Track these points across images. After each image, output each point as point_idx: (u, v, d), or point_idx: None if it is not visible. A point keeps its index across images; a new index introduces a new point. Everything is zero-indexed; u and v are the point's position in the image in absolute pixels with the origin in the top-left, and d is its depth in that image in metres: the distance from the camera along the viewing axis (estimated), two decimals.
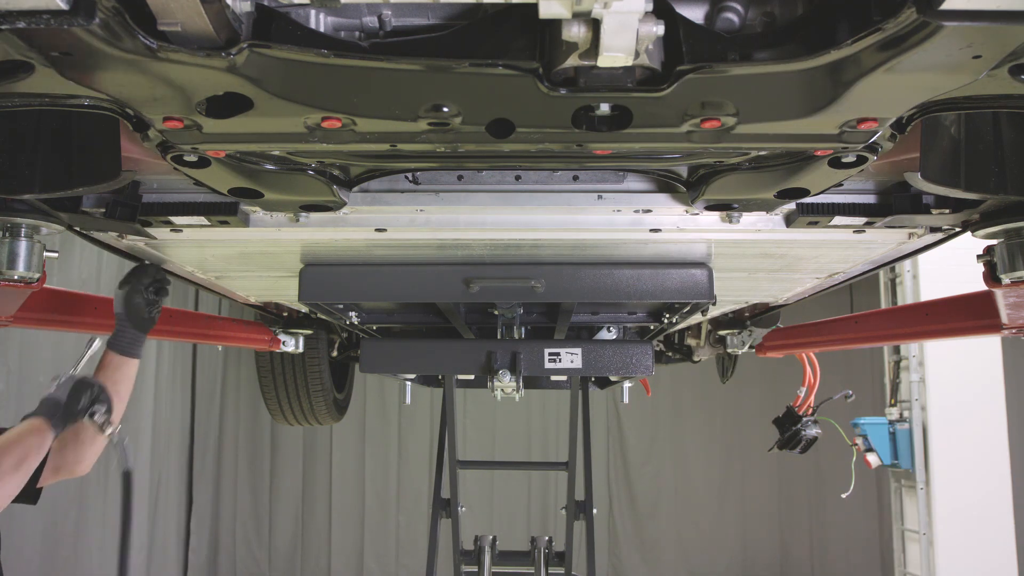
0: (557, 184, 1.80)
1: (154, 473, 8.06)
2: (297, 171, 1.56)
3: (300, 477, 9.45)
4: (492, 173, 1.79)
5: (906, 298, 6.62)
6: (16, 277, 1.94)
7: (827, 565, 9.16)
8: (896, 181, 1.76)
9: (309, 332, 3.84)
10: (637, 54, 1.02)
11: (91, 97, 1.22)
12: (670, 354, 4.38)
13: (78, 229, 1.97)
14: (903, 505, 6.79)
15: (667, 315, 2.76)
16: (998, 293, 2.03)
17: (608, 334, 3.23)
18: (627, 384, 4.12)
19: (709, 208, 1.79)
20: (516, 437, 9.33)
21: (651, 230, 1.91)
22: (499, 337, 2.94)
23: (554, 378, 4.30)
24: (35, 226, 1.89)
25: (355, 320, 2.84)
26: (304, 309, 3.09)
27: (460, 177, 1.80)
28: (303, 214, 1.85)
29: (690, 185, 1.70)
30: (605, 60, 1.01)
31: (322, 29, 1.17)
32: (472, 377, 3.42)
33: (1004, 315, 2.23)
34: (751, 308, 3.48)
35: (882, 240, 1.99)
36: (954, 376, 6.43)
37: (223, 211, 1.82)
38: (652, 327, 3.11)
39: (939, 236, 1.98)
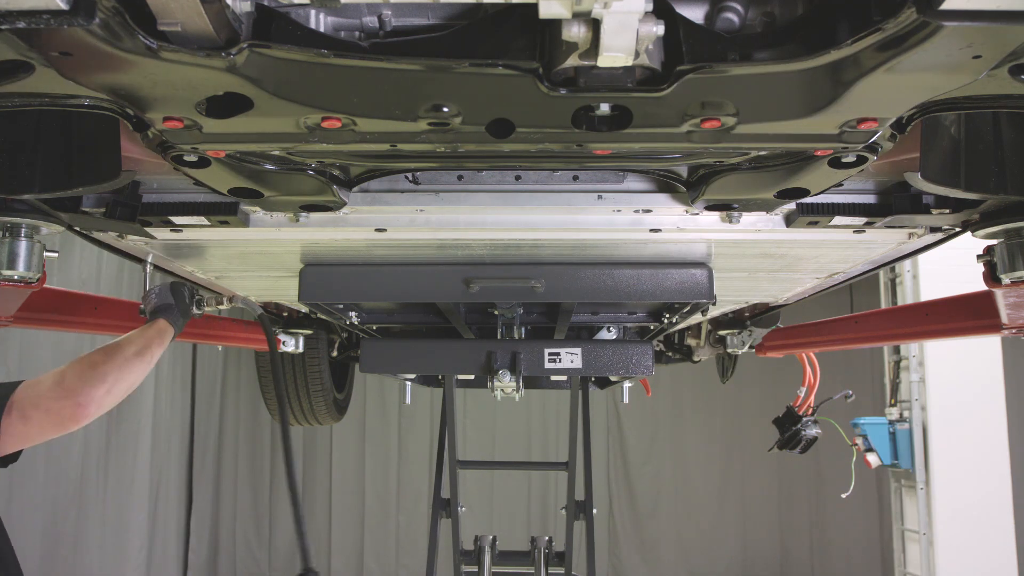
0: (557, 184, 1.80)
1: (154, 473, 8.06)
2: (297, 171, 1.56)
3: (300, 477, 9.44)
4: (492, 173, 1.79)
5: (906, 298, 6.61)
6: (16, 277, 1.95)
7: (827, 565, 9.14)
8: (896, 181, 1.76)
9: (309, 332, 3.84)
10: (637, 54, 1.02)
11: (91, 97, 1.23)
12: (670, 354, 4.37)
13: (78, 229, 1.97)
14: (903, 505, 6.78)
15: (667, 315, 2.76)
16: (998, 293, 2.03)
17: (608, 334, 3.23)
18: (627, 384, 4.11)
19: (709, 208, 1.79)
20: (516, 437, 9.32)
21: (651, 230, 1.91)
22: (499, 337, 2.94)
23: (554, 378, 4.29)
24: (35, 226, 1.89)
25: (355, 320, 2.84)
26: (304, 309, 3.09)
27: (460, 177, 1.80)
28: (303, 214, 1.85)
29: (690, 185, 1.70)
30: (605, 60, 1.01)
31: (322, 29, 1.17)
32: (472, 377, 3.42)
33: (1004, 315, 2.23)
34: (751, 308, 3.48)
35: (882, 240, 1.99)
36: (954, 376, 6.42)
37: (223, 211, 1.82)
38: (652, 327, 3.11)
39: (939, 236, 1.98)
